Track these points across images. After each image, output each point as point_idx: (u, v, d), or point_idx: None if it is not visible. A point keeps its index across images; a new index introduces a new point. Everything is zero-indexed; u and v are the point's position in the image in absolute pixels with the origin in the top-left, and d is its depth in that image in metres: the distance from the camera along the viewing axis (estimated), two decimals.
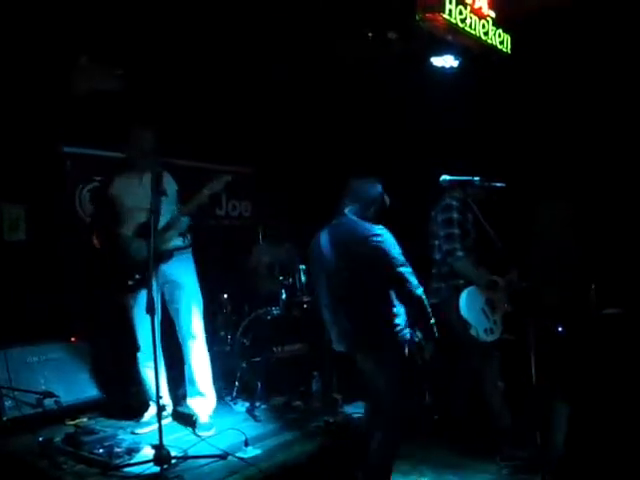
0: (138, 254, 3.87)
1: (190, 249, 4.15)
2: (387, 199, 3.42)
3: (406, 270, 3.15)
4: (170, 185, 4.06)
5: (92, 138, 5.11)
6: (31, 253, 4.84)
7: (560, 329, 4.36)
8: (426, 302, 3.20)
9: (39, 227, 4.93)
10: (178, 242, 4.04)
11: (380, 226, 3.25)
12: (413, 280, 3.16)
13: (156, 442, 3.18)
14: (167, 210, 3.98)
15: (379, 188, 3.42)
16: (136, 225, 3.92)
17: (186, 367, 4.10)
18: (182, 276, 4.05)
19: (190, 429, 3.97)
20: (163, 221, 3.94)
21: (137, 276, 3.89)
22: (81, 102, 4.83)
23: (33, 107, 4.71)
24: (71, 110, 4.84)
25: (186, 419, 4.08)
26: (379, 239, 3.17)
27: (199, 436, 3.81)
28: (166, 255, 3.97)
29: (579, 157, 4.87)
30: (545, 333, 3.99)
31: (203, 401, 4.06)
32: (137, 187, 3.96)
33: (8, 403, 4.05)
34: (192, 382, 4.07)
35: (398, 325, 3.17)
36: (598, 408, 3.75)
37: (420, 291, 3.19)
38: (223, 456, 3.42)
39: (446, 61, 4.43)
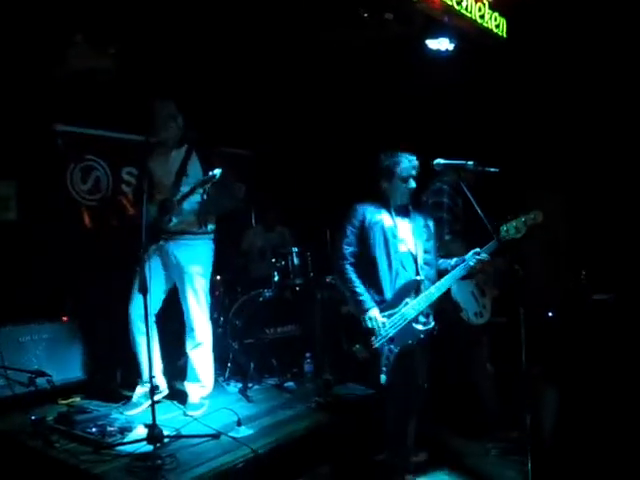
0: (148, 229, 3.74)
1: (207, 237, 4.08)
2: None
3: None
4: (194, 168, 3.97)
5: (85, 117, 5.08)
6: (22, 232, 4.82)
7: (551, 314, 4.40)
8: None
9: (30, 206, 4.91)
10: (193, 228, 3.97)
11: None
12: None
13: (148, 421, 3.18)
14: (184, 191, 3.90)
15: None
16: (159, 200, 3.89)
17: (187, 359, 4.09)
18: (189, 263, 3.97)
19: (181, 408, 3.98)
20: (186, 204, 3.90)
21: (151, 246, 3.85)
22: (74, 80, 4.79)
23: (26, 85, 4.67)
24: (64, 88, 4.80)
25: (180, 399, 4.09)
26: None
27: (190, 416, 3.82)
28: (167, 235, 3.93)
29: (573, 144, 4.88)
30: (536, 317, 4.02)
31: (198, 387, 4.04)
32: (165, 163, 3.95)
33: (0, 382, 4.06)
34: (192, 369, 4.05)
35: None
36: (587, 392, 3.80)
37: None
38: (216, 435, 3.44)
39: (441, 44, 4.42)
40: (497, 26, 4.38)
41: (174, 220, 3.90)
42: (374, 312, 3.32)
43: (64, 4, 4.20)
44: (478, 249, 3.38)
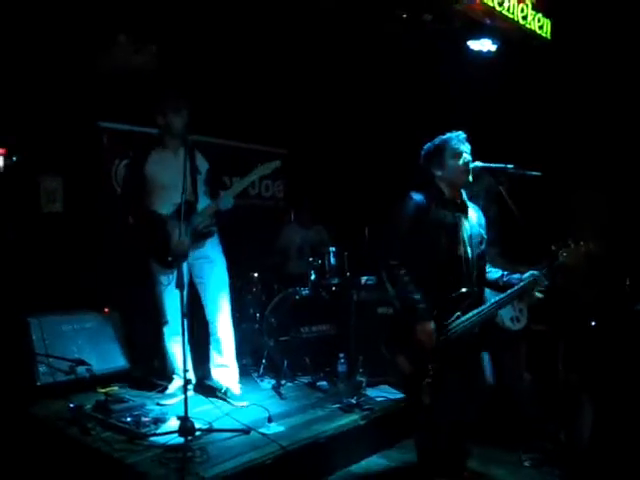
0: (177, 243, 3.81)
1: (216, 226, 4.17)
2: None
3: None
4: (202, 164, 4.10)
5: (128, 114, 5.19)
6: (68, 225, 4.97)
7: (593, 323, 4.29)
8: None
9: (76, 199, 5.05)
10: (212, 220, 4.06)
11: None
12: None
13: (182, 414, 3.24)
14: (201, 189, 4.05)
15: None
16: (174, 204, 3.84)
17: (211, 339, 4.17)
18: (212, 252, 4.10)
19: (214, 402, 4.03)
20: (202, 201, 4.00)
21: (170, 258, 3.90)
22: (118, 78, 4.90)
23: (71, 83, 4.81)
24: (108, 86, 4.91)
25: (215, 391, 4.16)
26: None
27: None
28: (206, 235, 4.03)
29: (618, 147, 4.74)
30: (577, 326, 3.92)
31: (227, 371, 4.15)
32: (172, 164, 3.92)
33: (42, 369, 4.20)
34: (218, 353, 4.15)
35: None
36: (625, 406, 3.69)
37: None
38: (246, 431, 3.47)
39: (484, 45, 4.33)
40: (540, 27, 4.28)
41: (203, 222, 3.96)
42: (430, 325, 2.96)
43: (108, 2, 4.29)
44: (536, 272, 3.10)
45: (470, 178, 3.14)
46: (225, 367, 4.16)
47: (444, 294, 3.06)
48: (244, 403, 3.99)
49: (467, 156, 3.09)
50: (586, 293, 4.37)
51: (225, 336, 4.14)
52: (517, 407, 3.97)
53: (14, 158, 3.16)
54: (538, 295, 3.16)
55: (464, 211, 3.18)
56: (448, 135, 3.14)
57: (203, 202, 4.03)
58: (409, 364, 3.05)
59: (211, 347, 4.20)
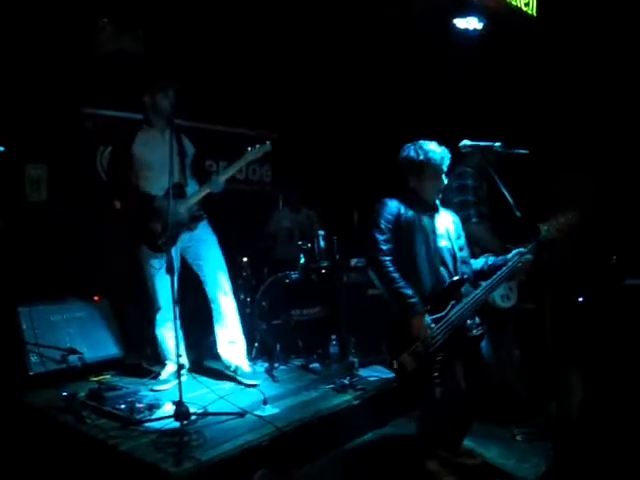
0: (171, 215, 3.81)
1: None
2: None
3: None
4: (189, 147, 4.11)
5: (113, 100, 5.13)
6: (53, 213, 4.92)
7: (580, 299, 4.34)
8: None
9: (61, 187, 4.99)
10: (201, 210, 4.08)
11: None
12: None
13: (176, 399, 3.24)
14: (189, 172, 4.05)
15: None
16: (162, 187, 3.80)
17: (216, 318, 4.18)
18: (203, 233, 4.11)
19: (209, 386, 4.02)
20: (191, 185, 4.01)
21: (168, 234, 3.81)
22: (103, 63, 4.84)
23: (55, 68, 4.73)
24: (93, 71, 4.85)
25: (220, 371, 4.24)
26: None
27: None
28: (198, 218, 4.02)
29: (603, 126, 4.76)
30: (565, 303, 3.97)
31: (236, 348, 4.18)
32: (159, 145, 3.90)
33: (34, 359, 4.18)
34: (224, 329, 4.17)
35: None
36: (614, 379, 3.75)
37: None
38: (242, 414, 3.49)
39: (470, 23, 4.31)
40: (527, 4, 4.26)
41: (192, 203, 3.96)
42: (425, 317, 3.03)
43: None
44: (522, 249, 3.17)
45: (440, 194, 3.28)
46: (233, 343, 4.18)
47: (435, 286, 3.14)
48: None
49: (444, 179, 3.22)
50: (572, 265, 4.42)
51: (230, 312, 4.18)
52: (508, 384, 4.02)
53: (1, 148, 3.11)
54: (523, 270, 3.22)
55: (437, 210, 3.30)
56: (432, 154, 3.19)
57: (192, 186, 4.05)
58: (412, 361, 3.05)
59: (217, 325, 4.20)
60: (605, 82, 4.76)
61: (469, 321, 3.17)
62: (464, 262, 3.27)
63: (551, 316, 3.19)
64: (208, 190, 3.96)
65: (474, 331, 3.18)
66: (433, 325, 3.06)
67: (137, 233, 4.04)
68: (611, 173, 4.79)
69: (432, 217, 3.25)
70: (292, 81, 5.92)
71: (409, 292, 3.03)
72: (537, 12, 4.35)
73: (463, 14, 4.31)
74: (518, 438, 3.85)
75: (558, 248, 3.68)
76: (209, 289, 4.16)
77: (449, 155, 3.23)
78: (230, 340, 4.19)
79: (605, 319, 4.04)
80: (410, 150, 3.24)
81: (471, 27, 4.38)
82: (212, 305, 4.19)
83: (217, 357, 4.31)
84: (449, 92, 5.17)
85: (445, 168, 3.22)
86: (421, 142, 3.25)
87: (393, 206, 3.19)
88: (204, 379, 4.24)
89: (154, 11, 4.61)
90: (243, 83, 5.70)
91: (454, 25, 4.42)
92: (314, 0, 4.58)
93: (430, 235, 3.18)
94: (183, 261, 4.17)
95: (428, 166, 3.18)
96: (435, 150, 3.20)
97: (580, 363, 3.95)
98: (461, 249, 3.29)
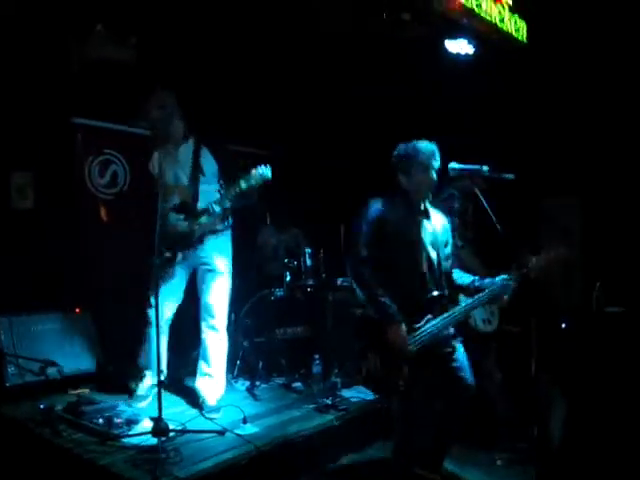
0: (172, 231, 3.85)
1: (229, 230, 4.07)
2: None
3: None
4: (208, 163, 3.96)
5: (104, 111, 5.11)
6: (38, 222, 4.86)
7: (564, 325, 4.36)
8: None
9: (47, 196, 4.95)
10: (217, 225, 3.96)
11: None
12: None
13: (155, 415, 3.20)
14: (205, 190, 3.92)
15: None
16: (175, 202, 3.85)
17: (201, 347, 4.04)
18: (215, 259, 3.96)
19: (190, 406, 3.99)
20: (202, 202, 3.89)
21: (167, 254, 3.86)
22: (94, 73, 4.81)
23: (45, 77, 4.71)
24: (84, 81, 4.83)
25: (192, 397, 4.06)
26: None
27: (209, 418, 3.74)
28: (195, 239, 3.90)
29: (591, 152, 4.83)
30: (549, 327, 3.98)
31: (211, 382, 3.98)
32: (173, 161, 3.88)
33: (12, 370, 4.12)
34: (205, 362, 3.99)
35: None
36: (597, 405, 3.76)
37: None
38: (221, 432, 3.45)
39: (461, 47, 4.35)
40: (517, 30, 4.33)
41: (202, 222, 3.88)
42: (402, 327, 3.00)
43: None
44: (507, 276, 3.18)
45: (430, 193, 3.23)
46: (209, 377, 3.99)
47: (413, 298, 3.11)
48: (216, 415, 3.81)
49: (434, 173, 3.17)
50: (559, 295, 4.45)
51: (215, 349, 3.99)
52: (490, 407, 4.02)
53: None
54: (506, 298, 3.23)
55: (426, 215, 3.25)
56: (421, 146, 3.18)
57: (204, 203, 3.91)
58: (380, 366, 3.06)
59: (200, 355, 4.06)
60: (594, 108, 4.83)
61: (444, 336, 3.14)
62: (447, 272, 3.26)
63: (536, 340, 3.21)
64: (205, 217, 3.87)
65: (446, 348, 3.15)
66: (407, 335, 3.04)
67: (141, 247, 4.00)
68: (598, 200, 4.84)
69: (420, 223, 3.20)
70: (281, 99, 5.95)
71: (386, 300, 3.00)
72: (527, 38, 4.41)
73: (454, 37, 4.35)
74: (498, 463, 3.85)
75: (547, 278, 3.71)
76: (201, 318, 4.02)
77: (439, 152, 3.19)
78: (207, 373, 4.00)
79: (587, 345, 4.06)
80: (400, 148, 3.23)
81: (463, 51, 4.42)
82: (201, 334, 4.03)
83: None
84: (439, 115, 5.22)
85: (435, 164, 3.17)
86: (412, 141, 3.22)
87: (378, 209, 3.15)
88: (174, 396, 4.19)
89: (148, 20, 4.59)
90: (235, 99, 5.71)
91: (445, 49, 4.46)
92: (310, 16, 4.59)
93: (416, 243, 3.14)
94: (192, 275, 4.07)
95: (416, 160, 3.15)
96: (424, 146, 3.17)
97: (563, 388, 3.95)
98: (447, 258, 3.27)
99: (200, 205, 3.89)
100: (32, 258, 4.71)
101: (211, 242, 3.96)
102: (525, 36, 4.40)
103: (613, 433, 3.61)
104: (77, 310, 4.73)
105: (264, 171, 3.78)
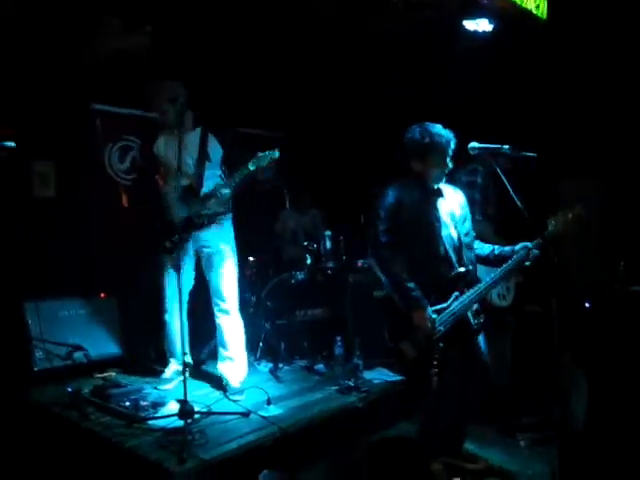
0: (178, 216, 3.90)
1: (230, 215, 4.10)
2: None
3: None
4: (215, 149, 4.03)
5: (123, 97, 5.13)
6: (61, 209, 4.93)
7: (587, 304, 4.32)
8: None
9: (68, 184, 5.00)
10: (219, 208, 3.99)
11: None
12: None
13: (181, 397, 3.24)
14: (211, 175, 3.98)
15: None
16: (179, 187, 3.87)
17: (217, 332, 4.06)
18: (219, 243, 3.99)
19: (214, 389, 4.04)
20: (207, 187, 3.94)
21: (175, 238, 3.89)
22: (112, 60, 4.83)
23: (64, 65, 4.74)
24: (102, 68, 4.85)
25: (216, 381, 4.10)
26: None
27: (233, 400, 3.79)
28: (204, 222, 3.94)
29: (613, 131, 4.74)
30: (571, 307, 3.95)
31: (232, 365, 4.02)
32: (180, 148, 3.79)
33: (39, 354, 4.21)
34: (223, 346, 4.03)
35: None
36: (620, 385, 3.73)
37: None
38: (245, 413, 3.48)
39: (479, 25, 4.27)
40: (537, 7, 4.23)
41: (208, 205, 3.91)
42: (427, 310, 3.03)
43: None
44: (528, 243, 3.13)
45: (444, 180, 3.23)
46: (230, 360, 4.02)
47: (438, 278, 3.11)
48: (240, 397, 3.85)
49: (450, 163, 3.16)
50: (579, 270, 4.39)
51: (230, 331, 4.01)
52: (494, 383, 3.99)
53: (13, 144, 3.11)
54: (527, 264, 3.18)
55: (440, 194, 3.24)
56: (435, 132, 3.14)
57: (208, 188, 3.95)
58: (412, 349, 3.08)
59: (218, 341, 4.09)
60: (614, 87, 4.73)
61: (470, 313, 3.14)
62: (469, 248, 3.23)
63: (558, 319, 3.18)
64: (213, 196, 3.89)
65: (474, 322, 3.15)
66: (435, 316, 3.05)
67: (148, 231, 4.06)
68: (622, 178, 4.76)
69: (435, 203, 3.19)
70: (301, 80, 5.91)
71: (411, 285, 3.02)
72: (547, 15, 4.31)
73: (473, 16, 4.27)
74: (521, 444, 3.85)
75: (566, 250, 3.66)
76: (213, 303, 4.04)
77: (455, 139, 3.17)
78: (227, 357, 4.03)
79: (612, 325, 4.02)
80: (415, 132, 3.19)
81: (480, 29, 4.34)
82: (215, 319, 4.06)
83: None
84: (458, 94, 5.14)
85: (451, 152, 3.17)
86: (427, 124, 3.19)
87: (394, 195, 3.15)
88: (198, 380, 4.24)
89: (164, 9, 4.57)
90: (251, 82, 5.69)
91: (463, 27, 4.38)
92: (322, 9, 4.55)
93: (434, 223, 3.14)
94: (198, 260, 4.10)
95: (433, 149, 3.13)
96: (440, 133, 3.15)
97: (586, 368, 3.92)
98: (466, 234, 3.25)
99: (205, 190, 3.94)
100: (56, 244, 4.77)
101: (214, 227, 4.00)
102: (545, 13, 4.30)
103: (636, 414, 3.58)
104: (102, 295, 4.80)
105: (272, 152, 3.84)
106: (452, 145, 3.17)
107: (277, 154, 3.86)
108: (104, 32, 4.62)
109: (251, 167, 3.84)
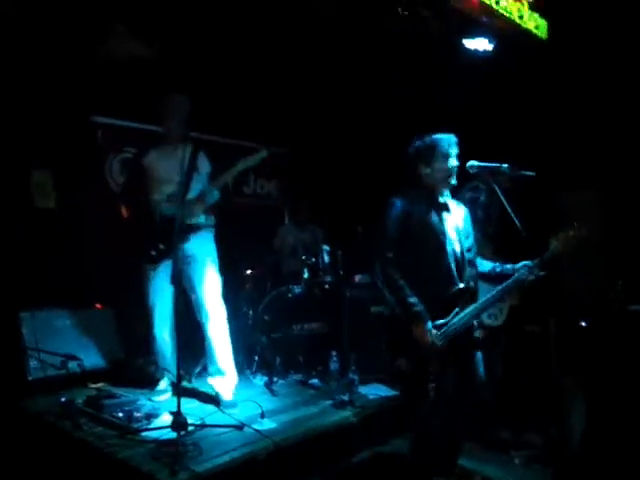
0: (165, 224, 3.88)
1: (212, 229, 4.10)
2: None
3: None
4: (203, 164, 4.05)
5: (124, 109, 5.16)
6: (61, 220, 4.93)
7: (584, 323, 4.31)
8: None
9: (69, 195, 5.01)
10: (201, 219, 4.00)
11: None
12: None
13: (174, 409, 3.23)
14: (196, 188, 3.97)
15: None
16: (165, 195, 3.91)
17: (206, 344, 4.03)
18: (200, 253, 3.98)
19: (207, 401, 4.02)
20: (192, 195, 3.94)
21: (161, 246, 3.89)
22: (115, 72, 4.85)
23: (66, 75, 4.76)
24: (104, 80, 4.87)
25: (208, 395, 4.07)
26: None
27: (225, 413, 3.77)
28: (191, 229, 3.94)
29: (612, 148, 4.77)
30: (569, 326, 3.95)
31: (223, 380, 4.00)
32: (170, 159, 3.91)
33: (33, 364, 4.20)
34: (212, 360, 4.01)
35: None
36: (617, 404, 3.72)
37: None
38: (239, 427, 3.47)
39: (479, 44, 4.31)
40: (537, 27, 4.29)
41: (196, 214, 3.93)
42: (428, 326, 3.03)
43: None
44: (530, 262, 3.12)
45: (454, 181, 3.22)
46: (221, 375, 4.00)
47: (440, 292, 3.10)
48: (233, 410, 3.82)
49: (455, 160, 3.17)
50: (577, 289, 4.39)
51: (215, 340, 3.98)
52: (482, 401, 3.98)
53: None
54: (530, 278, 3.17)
55: (447, 209, 3.25)
56: (440, 136, 3.19)
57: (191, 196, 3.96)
58: (410, 364, 3.10)
59: (206, 353, 4.06)
60: (614, 104, 4.77)
61: (468, 328, 3.14)
62: (471, 264, 3.23)
63: (555, 339, 3.18)
64: (199, 201, 3.90)
65: (473, 337, 3.16)
66: (435, 331, 3.05)
67: (137, 241, 4.06)
68: (619, 195, 4.78)
69: (441, 217, 3.20)
70: (302, 97, 5.95)
71: (413, 300, 3.02)
72: (547, 36, 4.36)
73: (473, 35, 4.31)
74: (516, 461, 3.82)
75: (564, 269, 3.67)
76: (198, 314, 4.00)
77: (457, 140, 3.20)
78: (216, 371, 4.01)
79: (610, 345, 4.01)
80: (417, 141, 3.24)
81: (481, 48, 4.37)
82: (203, 331, 4.01)
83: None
84: (457, 113, 5.18)
85: (453, 152, 3.17)
86: (429, 134, 3.24)
87: (399, 206, 3.16)
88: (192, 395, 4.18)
89: (169, 21, 4.61)
90: (253, 97, 5.73)
91: (463, 45, 4.42)
92: (326, 15, 4.57)
93: (439, 236, 3.13)
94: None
95: (436, 148, 3.16)
96: (442, 135, 3.20)
97: (583, 387, 3.91)
98: (469, 250, 3.24)
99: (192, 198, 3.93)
100: (54, 255, 4.77)
101: (196, 239, 3.98)
102: (545, 33, 4.35)
103: (634, 435, 3.57)
104: (98, 306, 4.80)
105: (261, 152, 3.89)
106: (454, 145, 3.19)
107: (265, 154, 3.88)
108: (109, 41, 4.64)
109: (240, 167, 3.87)
